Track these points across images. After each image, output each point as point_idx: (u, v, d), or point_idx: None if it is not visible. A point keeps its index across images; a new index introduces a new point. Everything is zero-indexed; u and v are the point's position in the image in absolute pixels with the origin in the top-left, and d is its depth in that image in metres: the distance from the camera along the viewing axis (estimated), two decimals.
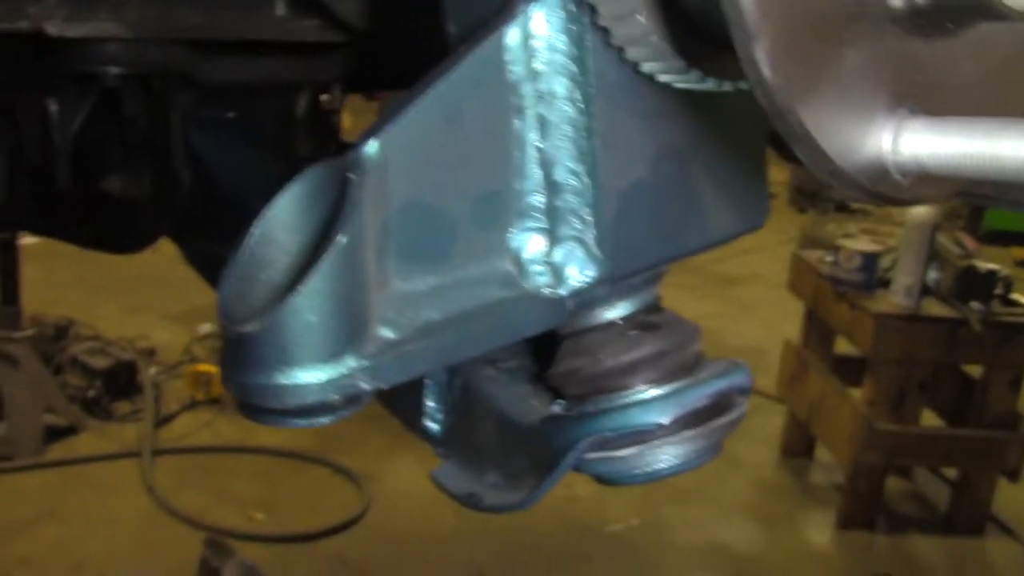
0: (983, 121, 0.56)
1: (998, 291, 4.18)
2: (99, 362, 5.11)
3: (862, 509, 4.37)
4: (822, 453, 4.87)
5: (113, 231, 1.47)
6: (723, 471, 4.72)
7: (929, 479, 4.86)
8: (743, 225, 0.87)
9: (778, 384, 5.06)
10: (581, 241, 0.76)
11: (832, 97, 0.56)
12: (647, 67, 0.70)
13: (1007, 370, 4.25)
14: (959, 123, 0.57)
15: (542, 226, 0.76)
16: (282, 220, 0.71)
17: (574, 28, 0.71)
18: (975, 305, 4.09)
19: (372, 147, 0.67)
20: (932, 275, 4.16)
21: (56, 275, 5.92)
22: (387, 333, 0.69)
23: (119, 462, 4.61)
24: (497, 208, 0.74)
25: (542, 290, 0.76)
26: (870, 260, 4.23)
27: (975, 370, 4.45)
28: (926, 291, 4.13)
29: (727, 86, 0.72)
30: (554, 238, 0.76)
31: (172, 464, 4.61)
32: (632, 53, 0.70)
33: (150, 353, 5.52)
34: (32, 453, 4.54)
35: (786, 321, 5.37)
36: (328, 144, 1.53)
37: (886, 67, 0.59)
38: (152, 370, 5.33)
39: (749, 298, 7.34)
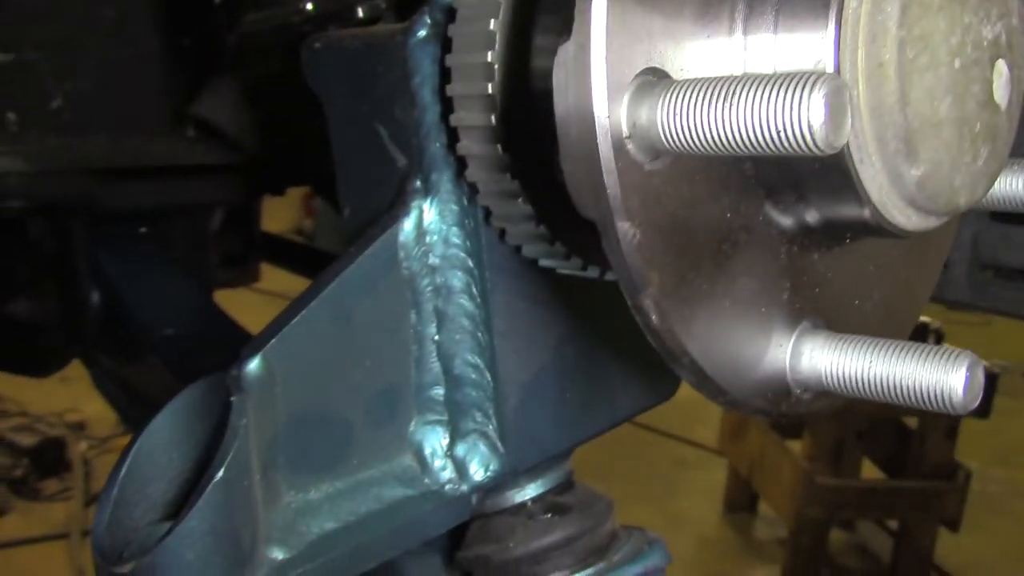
0: (881, 342, 0.56)
1: (930, 342, 4.22)
2: (26, 440, 4.97)
3: (806, 564, 4.35)
4: (765, 507, 4.86)
5: (20, 355, 1.44)
6: (667, 528, 4.68)
7: (872, 530, 4.87)
8: (653, 398, 0.85)
9: (719, 438, 5.05)
10: (483, 435, 0.73)
11: (726, 328, 0.55)
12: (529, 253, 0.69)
13: (943, 420, 4.29)
14: (858, 342, 0.56)
15: (443, 419, 0.73)
16: (162, 437, 0.68)
17: (468, 222, 0.70)
18: None
19: (254, 365, 0.63)
20: None
21: None
22: (278, 554, 0.65)
23: (47, 544, 4.45)
24: (395, 403, 0.72)
25: (445, 487, 0.73)
26: None
27: (912, 420, 4.49)
28: None
29: (610, 275, 0.70)
30: (456, 432, 0.73)
31: None
32: (527, 250, 0.68)
33: (80, 426, 5.38)
34: None
35: None
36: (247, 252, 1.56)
37: (782, 285, 0.58)
38: (82, 445, 5.19)
39: None
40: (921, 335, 4.17)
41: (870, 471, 4.74)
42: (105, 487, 0.66)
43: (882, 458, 4.72)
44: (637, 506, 4.72)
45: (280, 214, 7.23)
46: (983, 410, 3.95)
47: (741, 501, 5.00)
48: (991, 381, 4.11)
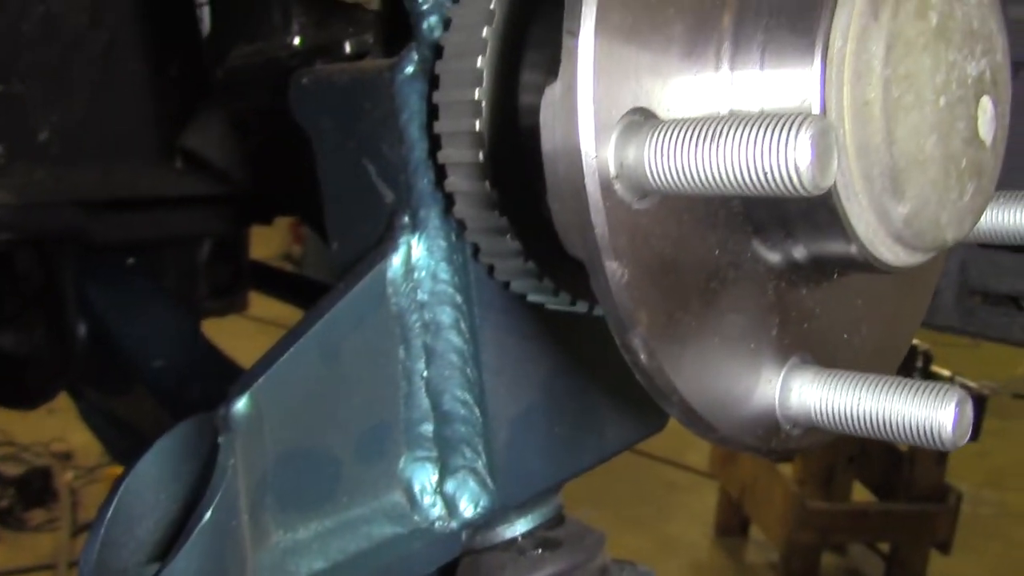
0: (870, 378, 0.56)
1: (918, 364, 4.24)
2: (11, 470, 4.94)
3: None
4: (756, 531, 4.85)
5: (7, 387, 1.44)
6: (658, 552, 4.67)
7: (863, 554, 4.86)
8: (643, 430, 0.85)
9: (711, 462, 5.05)
10: (473, 471, 0.72)
11: (715, 366, 0.55)
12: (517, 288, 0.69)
13: None
14: (847, 377, 0.56)
15: (432, 455, 0.73)
16: (150, 476, 0.67)
17: (457, 258, 0.70)
18: None
19: (242, 404, 0.62)
20: None
21: None
22: None
23: (34, 575, 4.41)
24: (384, 440, 0.71)
25: (435, 524, 0.72)
26: None
27: (903, 444, 4.49)
28: None
29: (598, 311, 0.70)
30: (445, 468, 0.73)
31: None
32: (515, 286, 0.68)
33: (66, 456, 5.33)
34: None
35: None
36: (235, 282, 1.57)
37: (771, 321, 0.58)
38: (68, 475, 5.13)
39: None
40: (910, 357, 4.18)
41: (861, 494, 4.73)
42: (92, 527, 0.65)
43: (873, 482, 4.71)
44: (629, 530, 4.71)
45: (268, 240, 7.21)
46: (973, 432, 3.95)
47: (732, 525, 4.99)
48: (980, 403, 4.11)
